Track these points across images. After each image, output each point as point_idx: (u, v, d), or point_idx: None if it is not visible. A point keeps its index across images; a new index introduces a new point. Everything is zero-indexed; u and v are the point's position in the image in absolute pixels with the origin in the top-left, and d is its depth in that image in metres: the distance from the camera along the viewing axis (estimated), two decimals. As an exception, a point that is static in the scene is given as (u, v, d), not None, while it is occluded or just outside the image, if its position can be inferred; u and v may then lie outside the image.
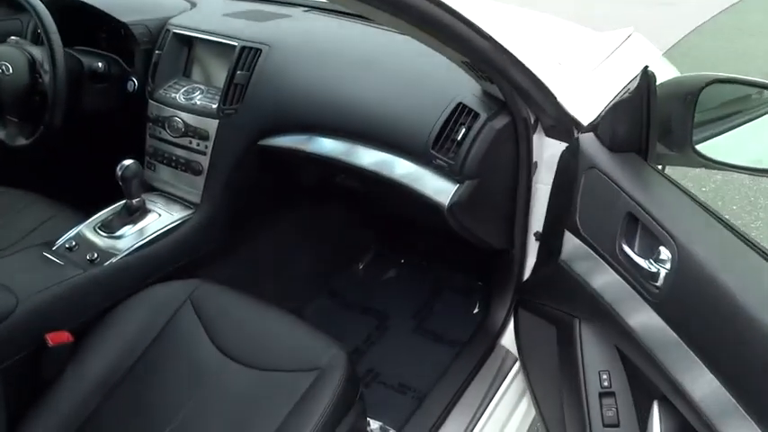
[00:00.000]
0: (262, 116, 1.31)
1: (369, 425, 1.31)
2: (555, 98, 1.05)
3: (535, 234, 1.28)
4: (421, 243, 1.82)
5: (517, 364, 1.39)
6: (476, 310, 1.65)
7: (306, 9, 1.53)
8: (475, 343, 1.40)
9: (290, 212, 1.64)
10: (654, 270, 0.74)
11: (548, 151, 1.18)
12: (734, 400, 0.60)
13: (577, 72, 1.19)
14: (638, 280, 0.77)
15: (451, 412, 1.24)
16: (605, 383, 0.89)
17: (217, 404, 1.05)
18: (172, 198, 1.45)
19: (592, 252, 0.88)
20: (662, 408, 0.74)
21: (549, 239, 1.07)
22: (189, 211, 1.40)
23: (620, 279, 0.81)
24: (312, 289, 1.71)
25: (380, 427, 1.31)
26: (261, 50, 1.32)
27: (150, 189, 1.48)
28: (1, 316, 1.05)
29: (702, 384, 0.65)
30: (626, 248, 0.80)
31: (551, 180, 1.12)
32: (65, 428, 1.04)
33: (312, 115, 1.26)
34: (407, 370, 1.49)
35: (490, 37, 0.92)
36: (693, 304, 0.69)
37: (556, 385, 1.01)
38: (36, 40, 1.52)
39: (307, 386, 1.03)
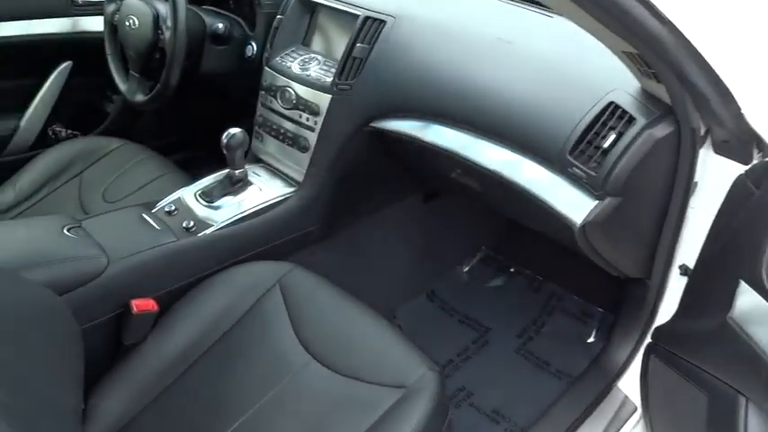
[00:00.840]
0: (378, 95, 1.19)
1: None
2: (738, 108, 0.83)
3: (681, 267, 1.06)
4: (537, 252, 1.63)
5: (636, 416, 1.18)
6: (591, 340, 1.44)
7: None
8: (588, 380, 1.21)
9: (396, 203, 1.51)
10: None
11: (712, 170, 0.96)
12: None
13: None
14: None
15: None
16: None
17: (292, 404, 0.98)
18: (275, 172, 1.38)
19: None
20: None
21: (709, 283, 0.86)
22: (291, 189, 1.32)
23: None
24: (410, 287, 1.58)
25: (464, 458, 1.17)
26: (385, 22, 1.18)
27: (256, 161, 1.42)
28: (90, 275, 1.02)
29: None
30: None
31: (710, 205, 0.91)
32: (137, 400, 1.01)
33: (434, 100, 1.11)
34: (504, 395, 1.32)
35: (669, 21, 0.72)
36: None
37: None
38: (165, -4, 1.50)
39: (390, 404, 0.92)
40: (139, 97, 1.40)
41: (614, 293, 1.31)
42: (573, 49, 1.02)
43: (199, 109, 1.92)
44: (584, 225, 0.93)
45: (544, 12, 1.16)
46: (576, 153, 0.93)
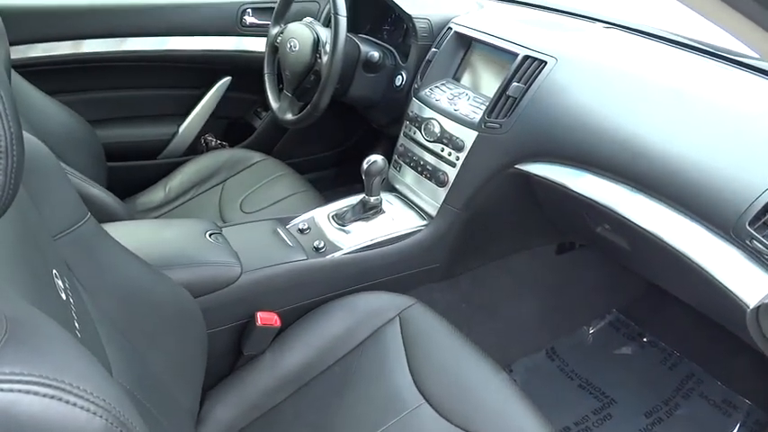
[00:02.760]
0: (528, 137, 1.13)
1: None
2: None
3: None
4: (676, 323, 1.47)
5: None
6: (734, 434, 1.27)
7: (607, 26, 1.31)
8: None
9: (528, 252, 1.43)
10: None
11: None
12: None
13: None
14: None
15: None
16: None
17: None
18: (409, 204, 1.36)
19: None
20: None
21: None
22: (423, 222, 1.30)
23: None
24: (529, 342, 1.49)
25: None
26: (546, 63, 1.13)
27: (391, 189, 1.41)
28: (224, 282, 1.05)
29: None
30: None
31: None
32: (248, 413, 1.02)
33: (591, 146, 1.04)
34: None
35: None
36: None
37: None
38: (326, 23, 1.55)
39: None
40: (289, 116, 1.45)
41: (767, 384, 1.14)
42: (760, 107, 0.91)
43: (339, 132, 1.97)
44: (760, 307, 0.81)
45: (724, 64, 1.06)
46: (758, 224, 0.82)
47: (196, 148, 1.84)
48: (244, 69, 1.74)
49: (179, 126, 1.79)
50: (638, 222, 0.97)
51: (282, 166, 1.66)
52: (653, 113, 0.98)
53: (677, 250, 0.91)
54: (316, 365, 1.07)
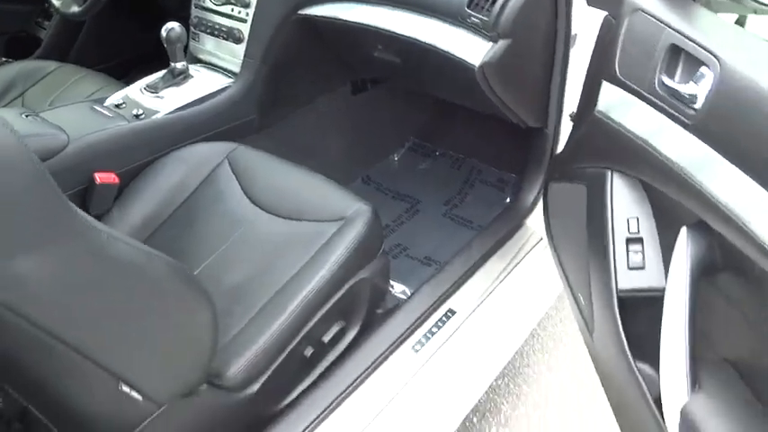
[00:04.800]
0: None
1: (392, 287, 1.36)
2: None
3: (570, 115, 1.27)
4: (458, 136, 1.82)
5: (543, 243, 1.40)
6: (508, 200, 1.66)
7: None
8: (501, 221, 1.42)
9: (329, 96, 1.66)
10: (693, 92, 0.73)
11: (588, 25, 1.15)
12: None
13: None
14: (676, 106, 0.76)
15: (469, 280, 1.28)
16: (633, 229, 0.89)
17: (247, 249, 1.11)
18: (215, 68, 1.49)
19: (629, 94, 0.86)
20: (690, 232, 0.74)
21: (584, 112, 1.04)
22: (229, 80, 1.45)
23: (657, 112, 0.79)
24: (344, 174, 1.75)
25: (403, 291, 1.36)
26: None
27: (195, 61, 1.53)
28: (54, 151, 1.12)
29: (744, 194, 0.65)
30: (665, 79, 0.79)
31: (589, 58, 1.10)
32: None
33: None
34: (434, 246, 1.53)
35: None
36: (734, 116, 0.68)
37: (583, 248, 1.01)
38: None
39: (331, 234, 1.08)
40: (74, 8, 1.48)
41: (524, 160, 1.50)
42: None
43: (136, 32, 1.97)
44: (483, 66, 1.11)
45: None
46: (472, 5, 1.10)
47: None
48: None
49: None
50: (397, 31, 1.22)
51: (81, 69, 1.66)
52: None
53: (425, 43, 1.18)
54: (160, 214, 1.19)
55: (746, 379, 0.71)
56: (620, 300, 0.87)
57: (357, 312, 1.12)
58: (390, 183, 1.76)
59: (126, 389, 0.69)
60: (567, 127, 1.29)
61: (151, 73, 1.40)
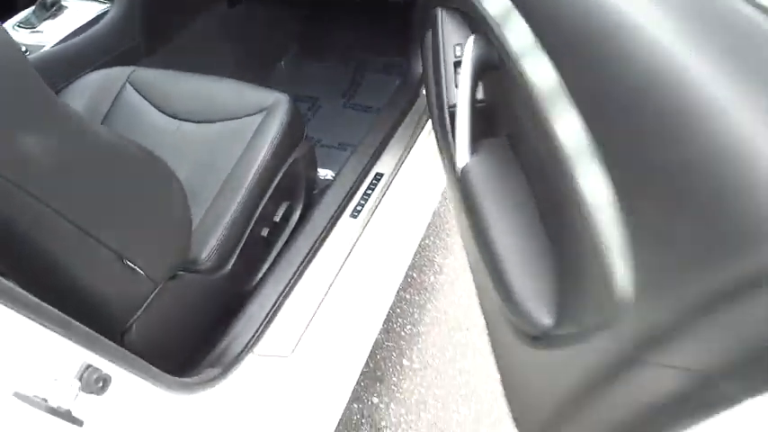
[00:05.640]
0: None
1: (317, 173, 1.46)
2: None
3: None
4: (337, 33, 1.90)
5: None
6: (398, 82, 1.78)
7: None
8: (397, 97, 1.54)
9: (208, 14, 1.65)
10: None
11: None
12: None
13: None
14: None
15: (386, 148, 1.40)
16: (458, 54, 1.02)
17: (180, 157, 1.13)
18: (87, -2, 1.45)
19: None
20: (475, 39, 0.85)
21: None
22: (105, 6, 1.41)
23: None
24: None
25: (328, 174, 1.47)
26: None
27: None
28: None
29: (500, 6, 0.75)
30: None
31: None
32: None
33: None
34: (344, 133, 1.63)
35: None
36: None
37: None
38: None
39: (257, 124, 1.15)
40: None
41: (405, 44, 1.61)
42: None
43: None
44: None
45: None
46: None
47: None
48: None
49: None
50: None
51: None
52: None
53: None
54: None
55: (513, 147, 0.87)
56: (450, 114, 0.98)
57: (297, 191, 1.22)
58: (285, 88, 1.81)
59: (129, 264, 0.76)
60: None
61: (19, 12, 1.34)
